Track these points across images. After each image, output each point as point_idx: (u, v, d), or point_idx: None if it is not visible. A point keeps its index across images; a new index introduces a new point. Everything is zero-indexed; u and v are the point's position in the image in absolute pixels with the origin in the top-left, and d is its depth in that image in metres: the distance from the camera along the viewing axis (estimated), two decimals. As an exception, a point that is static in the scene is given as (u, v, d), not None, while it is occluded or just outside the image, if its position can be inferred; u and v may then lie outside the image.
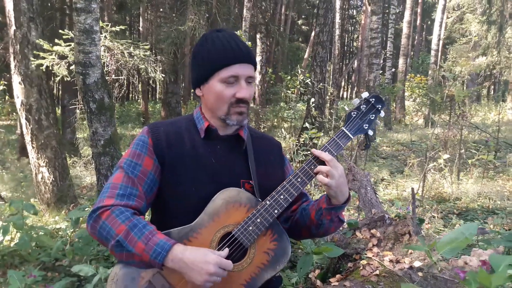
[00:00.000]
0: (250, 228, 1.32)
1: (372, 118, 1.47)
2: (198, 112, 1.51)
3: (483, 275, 0.99)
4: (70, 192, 5.24)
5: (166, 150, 1.41)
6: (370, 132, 1.48)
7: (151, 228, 1.28)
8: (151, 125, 1.49)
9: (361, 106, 1.47)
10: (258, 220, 1.33)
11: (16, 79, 4.89)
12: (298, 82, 8.08)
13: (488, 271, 1.20)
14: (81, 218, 3.27)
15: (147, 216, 1.57)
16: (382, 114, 1.49)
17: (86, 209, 3.60)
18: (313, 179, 1.40)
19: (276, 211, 1.34)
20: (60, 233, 4.24)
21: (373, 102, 1.47)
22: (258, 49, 17.19)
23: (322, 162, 1.37)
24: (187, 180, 1.39)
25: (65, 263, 3.45)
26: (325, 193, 1.43)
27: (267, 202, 1.35)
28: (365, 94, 1.50)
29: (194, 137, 1.46)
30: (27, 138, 5.04)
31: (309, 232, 1.51)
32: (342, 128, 1.45)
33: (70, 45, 5.24)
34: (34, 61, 4.82)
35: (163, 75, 6.31)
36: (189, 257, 1.22)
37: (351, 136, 1.43)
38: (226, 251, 1.28)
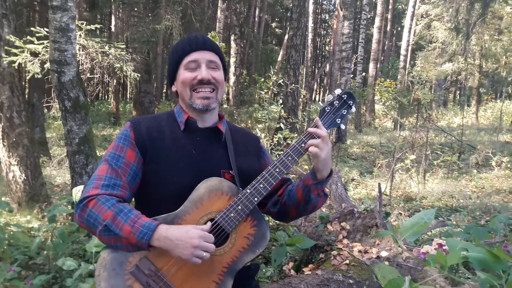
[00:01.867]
0: (232, 214, 1.42)
1: (345, 113, 1.58)
2: (178, 107, 1.61)
3: (440, 255, 1.12)
4: (42, 191, 5.16)
5: (148, 143, 1.49)
6: (342, 126, 1.59)
7: (136, 212, 1.36)
8: (133, 120, 1.57)
9: (334, 102, 1.59)
10: (239, 207, 1.42)
11: (-13, 76, 4.80)
12: (271, 83, 8.20)
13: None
14: (58, 215, 3.26)
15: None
16: (354, 109, 1.61)
17: (60, 207, 3.59)
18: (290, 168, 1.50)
19: (256, 199, 1.44)
20: (32, 232, 4.19)
21: (345, 98, 1.59)
22: (232, 51, 17.28)
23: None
24: (169, 170, 1.47)
25: (39, 261, 3.43)
26: (307, 172, 1.53)
27: (248, 191, 1.44)
28: (338, 91, 1.60)
29: (174, 130, 1.55)
30: (-2, 136, 4.94)
31: (298, 210, 1.61)
32: None
33: (43, 43, 5.18)
34: (6, 57, 4.74)
35: (138, 74, 6.30)
36: (173, 233, 1.30)
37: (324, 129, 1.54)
38: (208, 224, 1.36)
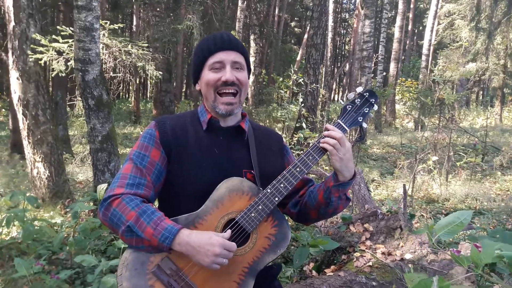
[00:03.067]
0: (252, 214, 1.40)
1: (366, 111, 1.54)
2: (202, 106, 1.61)
3: (475, 253, 1.09)
4: (65, 188, 5.26)
5: (172, 142, 1.49)
6: (364, 125, 1.55)
7: (159, 214, 1.36)
8: (158, 119, 1.58)
9: (356, 100, 1.55)
10: (260, 207, 1.41)
11: (14, 74, 4.91)
12: (291, 82, 8.17)
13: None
14: (80, 211, 3.32)
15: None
16: (376, 107, 1.56)
17: (85, 203, 3.64)
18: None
19: (276, 199, 1.42)
20: (55, 227, 4.28)
21: (367, 96, 1.55)
22: (252, 50, 17.26)
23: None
24: (192, 170, 1.47)
25: (62, 256, 3.50)
26: (330, 173, 1.50)
27: (268, 190, 1.43)
28: (359, 89, 1.57)
29: (198, 129, 1.54)
30: (24, 133, 5.05)
31: (318, 213, 1.57)
32: (338, 120, 1.52)
33: (67, 41, 5.27)
34: (33, 55, 4.85)
35: (160, 73, 6.35)
36: (195, 240, 1.30)
37: (346, 128, 1.50)
38: (228, 232, 1.36)
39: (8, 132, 11.26)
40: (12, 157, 9.24)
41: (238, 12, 14.65)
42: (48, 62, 5.17)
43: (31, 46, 4.92)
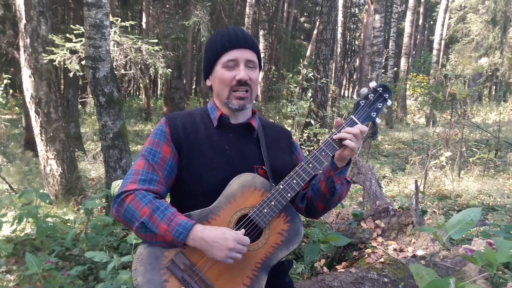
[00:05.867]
0: (265, 210, 1.41)
1: (380, 106, 1.53)
2: (212, 103, 1.61)
3: (489, 252, 1.07)
4: (78, 184, 5.31)
5: (183, 139, 1.50)
6: (378, 120, 1.54)
7: (173, 210, 1.37)
8: (168, 115, 1.59)
9: (369, 95, 1.54)
10: (273, 203, 1.41)
11: (26, 72, 4.96)
12: (301, 77, 8.14)
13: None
14: (94, 208, 3.35)
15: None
16: (389, 103, 1.55)
17: (97, 200, 3.68)
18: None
19: (289, 195, 1.42)
20: (68, 224, 4.33)
21: (380, 91, 1.54)
22: (261, 46, 17.23)
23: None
24: (203, 166, 1.48)
25: (75, 252, 3.54)
26: (326, 164, 1.51)
27: (281, 186, 1.43)
28: (372, 84, 1.56)
29: (208, 126, 1.56)
30: (36, 130, 5.11)
31: (325, 202, 1.58)
32: (351, 116, 1.51)
33: (81, 40, 5.30)
34: (46, 57, 4.89)
35: (170, 70, 6.37)
36: (209, 235, 1.31)
37: (359, 123, 1.49)
38: (242, 231, 1.36)
39: (22, 129, 11.41)
40: (25, 154, 9.37)
41: (247, 8, 14.63)
42: (61, 62, 5.22)
43: (46, 48, 4.97)
